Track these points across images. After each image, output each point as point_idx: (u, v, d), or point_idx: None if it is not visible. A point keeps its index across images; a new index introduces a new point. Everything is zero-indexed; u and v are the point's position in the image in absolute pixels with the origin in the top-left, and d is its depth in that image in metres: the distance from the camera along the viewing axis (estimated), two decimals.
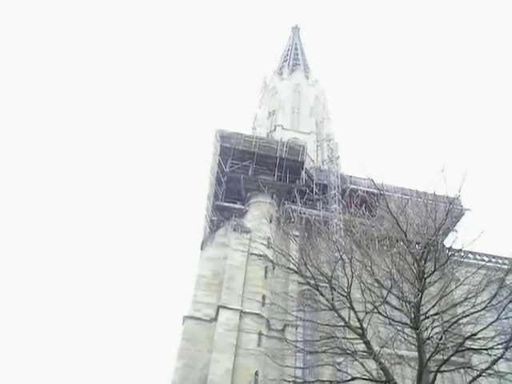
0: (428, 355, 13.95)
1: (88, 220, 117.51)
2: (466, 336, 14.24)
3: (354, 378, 15.16)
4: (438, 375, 14.28)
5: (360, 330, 14.68)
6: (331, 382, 16.24)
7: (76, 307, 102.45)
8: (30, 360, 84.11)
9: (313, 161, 41.71)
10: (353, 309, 15.06)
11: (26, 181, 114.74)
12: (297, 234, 22.51)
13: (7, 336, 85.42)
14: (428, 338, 14.16)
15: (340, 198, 32.97)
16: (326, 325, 16.01)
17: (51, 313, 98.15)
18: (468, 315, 14.41)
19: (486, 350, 14.27)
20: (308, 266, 15.94)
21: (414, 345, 14.56)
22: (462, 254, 16.47)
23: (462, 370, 16.94)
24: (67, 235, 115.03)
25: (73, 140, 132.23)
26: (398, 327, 15.66)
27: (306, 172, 36.44)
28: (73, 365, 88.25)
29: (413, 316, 14.28)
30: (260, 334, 24.85)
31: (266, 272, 28.56)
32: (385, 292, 15.18)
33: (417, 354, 14.16)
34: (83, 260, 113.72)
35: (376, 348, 14.87)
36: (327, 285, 15.53)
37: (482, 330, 14.24)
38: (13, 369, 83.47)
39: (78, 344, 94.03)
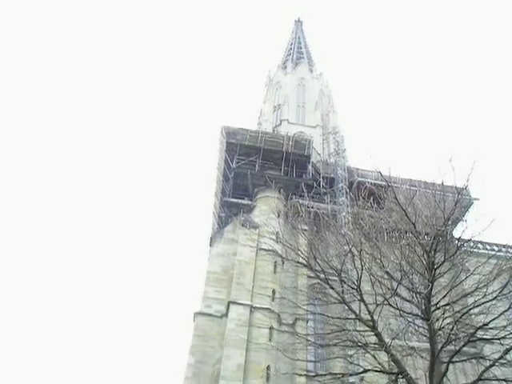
0: (440, 346, 13.94)
1: (97, 218, 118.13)
2: (478, 326, 14.19)
3: (366, 371, 15.21)
4: (450, 366, 14.27)
5: (371, 323, 14.67)
6: (343, 374, 16.27)
7: (86, 304, 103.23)
8: (45, 360, 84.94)
9: (319, 154, 41.64)
10: (363, 301, 15.05)
11: (45, 182, 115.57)
12: (305, 228, 22.50)
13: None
14: (439, 329, 14.14)
15: (347, 190, 32.93)
16: (337, 318, 16.01)
17: (62, 311, 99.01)
18: (479, 305, 14.35)
19: (497, 339, 14.24)
20: (317, 260, 15.94)
21: (426, 336, 14.55)
22: (472, 244, 16.40)
23: (474, 360, 16.92)
24: (78, 234, 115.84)
25: (80, 138, 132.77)
26: (409, 319, 15.65)
27: (312, 166, 36.38)
28: (84, 361, 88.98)
29: (423, 307, 14.26)
30: (271, 328, 24.90)
31: (275, 267, 28.61)
32: (395, 284, 15.16)
33: (428, 345, 14.14)
34: (92, 258, 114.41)
35: (387, 340, 14.85)
36: (337, 278, 15.53)
37: (493, 319, 14.19)
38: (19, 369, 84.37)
39: (88, 340, 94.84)
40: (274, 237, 28.23)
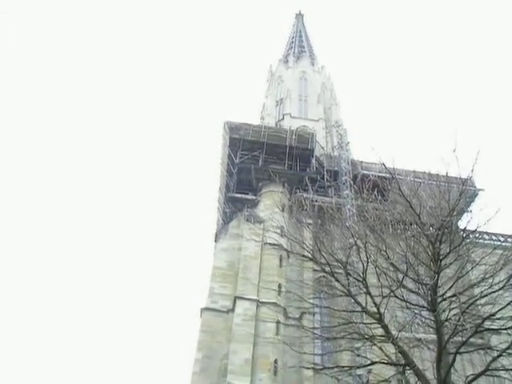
0: (446, 337, 13.86)
1: (102, 215, 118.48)
2: (485, 316, 14.09)
3: (373, 363, 15.22)
4: (457, 356, 14.17)
5: (377, 315, 14.63)
6: (351, 367, 16.27)
7: (93, 301, 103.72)
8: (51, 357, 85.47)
9: (323, 148, 41.52)
10: (369, 294, 15.01)
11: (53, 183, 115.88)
12: (310, 221, 22.39)
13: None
14: (446, 320, 14.07)
15: (352, 183, 32.81)
16: (343, 311, 15.99)
17: (71, 309, 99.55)
18: (486, 295, 14.28)
19: (505, 329, 14.17)
20: (323, 253, 15.88)
21: (432, 327, 14.51)
22: (477, 234, 16.32)
23: (481, 351, 16.85)
24: (87, 231, 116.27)
25: (87, 135, 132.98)
26: (416, 310, 15.61)
27: (316, 159, 36.30)
28: (92, 357, 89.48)
29: (430, 298, 14.20)
30: (277, 322, 24.95)
31: (280, 261, 28.63)
32: (401, 275, 15.10)
33: (435, 336, 14.09)
34: (98, 255, 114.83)
35: (394, 332, 14.81)
36: (342, 271, 15.47)
37: (500, 309, 14.10)
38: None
39: (96, 337, 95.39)
40: (279, 231, 28.21)
